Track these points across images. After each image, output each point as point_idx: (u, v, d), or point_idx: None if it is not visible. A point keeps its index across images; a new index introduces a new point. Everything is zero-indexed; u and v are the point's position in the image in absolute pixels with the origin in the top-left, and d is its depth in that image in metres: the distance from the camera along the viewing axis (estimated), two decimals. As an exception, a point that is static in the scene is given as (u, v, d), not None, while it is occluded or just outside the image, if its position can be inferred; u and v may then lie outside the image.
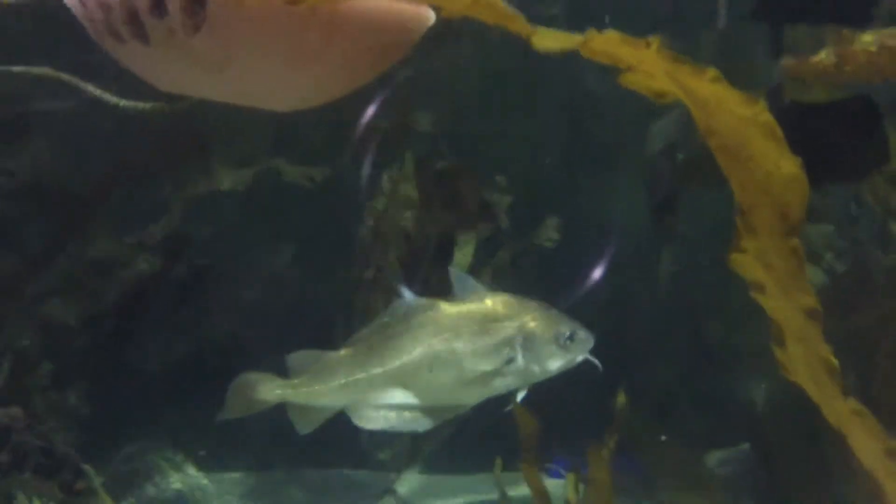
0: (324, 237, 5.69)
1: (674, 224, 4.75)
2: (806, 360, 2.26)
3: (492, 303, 3.16)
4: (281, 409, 5.80)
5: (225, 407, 3.33)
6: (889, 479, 2.30)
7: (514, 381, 3.13)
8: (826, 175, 3.64)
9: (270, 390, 3.25)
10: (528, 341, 3.08)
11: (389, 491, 5.36)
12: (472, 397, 3.16)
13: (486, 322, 3.11)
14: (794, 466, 4.52)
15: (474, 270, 5.10)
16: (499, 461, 3.34)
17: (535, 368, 3.10)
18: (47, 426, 4.15)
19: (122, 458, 5.22)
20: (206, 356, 5.87)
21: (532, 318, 3.10)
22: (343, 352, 3.26)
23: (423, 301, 3.22)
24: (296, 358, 3.30)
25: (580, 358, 3.10)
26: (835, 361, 2.17)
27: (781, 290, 2.19)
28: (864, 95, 3.52)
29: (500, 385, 3.12)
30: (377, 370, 3.15)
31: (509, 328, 3.09)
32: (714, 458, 5.18)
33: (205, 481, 5.38)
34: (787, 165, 2.00)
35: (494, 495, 5.19)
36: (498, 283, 5.24)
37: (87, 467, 3.89)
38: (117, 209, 5.59)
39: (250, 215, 5.79)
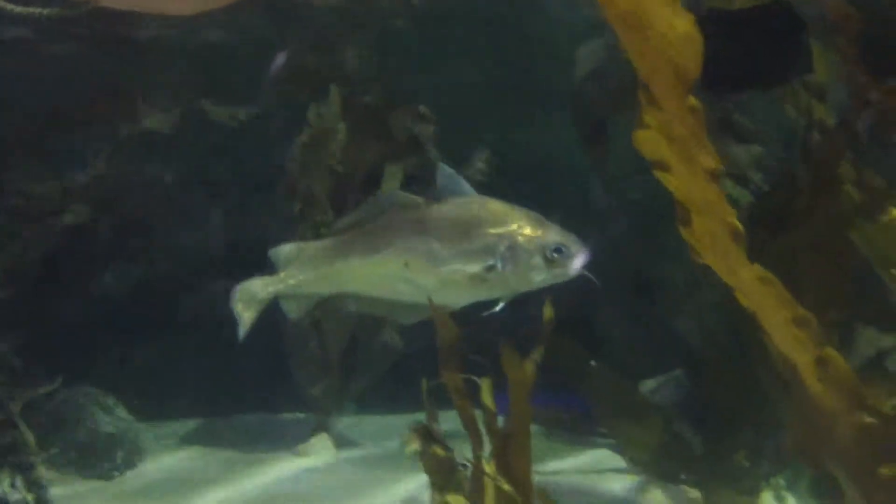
0: (252, 176, 5.60)
1: (603, 153, 4.70)
2: (710, 230, 2.23)
3: (478, 207, 3.12)
4: (219, 356, 5.78)
5: (239, 326, 3.39)
6: (797, 347, 2.27)
7: (496, 290, 3.09)
8: (746, 82, 3.61)
9: (265, 289, 3.32)
10: (511, 250, 3.03)
11: (323, 428, 5.29)
12: (452, 300, 3.12)
13: (470, 226, 3.08)
14: (726, 389, 4.51)
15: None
16: (424, 382, 3.27)
17: (518, 279, 3.06)
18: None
19: (54, 403, 5.12)
20: (139, 304, 5.78)
21: (519, 227, 3.05)
22: (326, 241, 3.31)
23: (409, 197, 3.20)
24: (280, 252, 3.34)
25: (570, 274, 3.04)
26: (738, 225, 2.14)
27: (683, 157, 2.15)
28: (785, 3, 3.48)
29: (481, 292, 3.10)
30: (356, 260, 3.16)
31: (492, 235, 3.05)
32: (648, 385, 5.16)
33: (138, 425, 5.28)
34: (681, 24, 1.98)
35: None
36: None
37: (3, 398, 3.77)
38: (41, 155, 5.44)
39: (178, 158, 5.66)
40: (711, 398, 4.62)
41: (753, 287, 2.21)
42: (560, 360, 4.66)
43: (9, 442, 3.74)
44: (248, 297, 3.34)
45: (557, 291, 3.15)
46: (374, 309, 3.34)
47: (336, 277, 3.24)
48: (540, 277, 3.04)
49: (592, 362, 4.64)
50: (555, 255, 3.02)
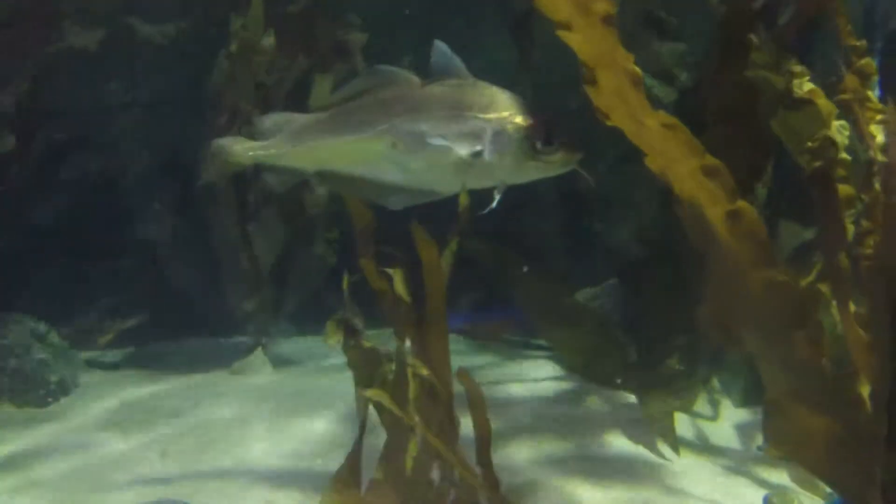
0: (179, 91, 5.50)
1: (530, 50, 4.64)
2: (614, 84, 2.18)
3: (471, 90, 3.03)
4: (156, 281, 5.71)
5: (203, 170, 3.29)
6: (709, 198, 2.24)
7: (484, 178, 3.00)
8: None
9: (245, 152, 3.21)
10: (498, 137, 2.93)
11: (259, 345, 5.24)
12: (441, 185, 3.05)
13: (460, 109, 2.99)
14: (660, 295, 4.51)
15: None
16: (345, 276, 3.22)
17: (505, 169, 2.97)
18: None
19: (-20, 330, 5.04)
20: (66, 230, 5.69)
21: (510, 114, 2.94)
22: (313, 116, 3.19)
23: (401, 74, 3.13)
24: (267, 120, 3.25)
25: (559, 169, 2.94)
26: (638, 71, 2.10)
27: (580, 9, 2.10)
28: None
29: (468, 179, 2.99)
30: (344, 137, 3.08)
31: (481, 119, 2.96)
32: (583, 294, 5.16)
33: (72, 351, 5.21)
34: None
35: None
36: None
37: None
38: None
39: (104, 77, 5.55)
40: (646, 304, 4.61)
41: (660, 136, 2.17)
42: (494, 266, 4.64)
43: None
44: (224, 152, 3.22)
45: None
46: (360, 192, 3.20)
47: (322, 153, 3.14)
48: (527, 168, 2.95)
49: (525, 268, 4.61)
50: (544, 146, 2.91)
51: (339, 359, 5.32)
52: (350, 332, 3.16)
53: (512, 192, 4.14)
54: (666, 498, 3.62)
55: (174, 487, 3.80)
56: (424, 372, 2.87)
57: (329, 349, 5.43)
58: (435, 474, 3.23)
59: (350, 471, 3.26)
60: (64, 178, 5.77)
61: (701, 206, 2.33)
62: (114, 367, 5.56)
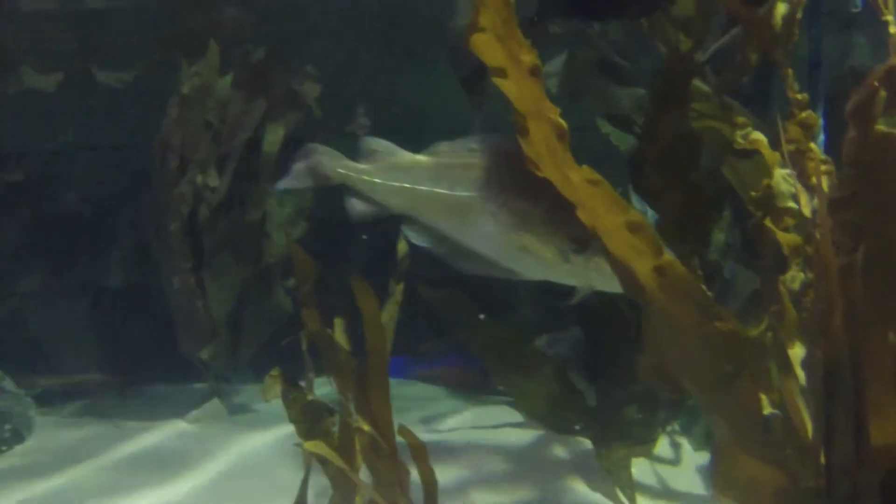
0: (135, 136, 5.48)
1: (482, 97, 4.63)
2: (543, 135, 2.16)
3: None
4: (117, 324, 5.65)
5: (288, 174, 3.12)
6: (633, 255, 2.21)
7: (575, 278, 2.90)
8: (605, 11, 3.57)
9: (335, 167, 3.05)
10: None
11: (216, 394, 5.18)
12: (525, 269, 2.93)
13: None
14: (618, 341, 4.49)
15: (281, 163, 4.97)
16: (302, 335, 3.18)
17: (600, 278, 2.84)
18: None
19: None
20: (26, 272, 5.65)
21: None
22: (420, 156, 3.03)
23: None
24: (372, 143, 3.07)
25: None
26: (563, 123, 2.08)
27: (512, 59, 2.09)
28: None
29: (561, 274, 2.89)
30: (440, 191, 2.94)
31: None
32: (543, 340, 5.13)
33: (27, 399, 5.14)
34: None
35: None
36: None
37: None
38: None
39: (61, 121, 5.53)
40: (603, 350, 4.59)
41: (584, 191, 2.15)
42: (450, 315, 4.61)
43: None
44: (313, 162, 3.07)
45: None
46: (441, 245, 3.05)
47: (420, 198, 2.97)
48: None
49: (481, 316, 4.58)
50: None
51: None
52: (289, 386, 3.11)
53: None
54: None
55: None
56: (365, 427, 2.82)
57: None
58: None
59: (295, 524, 3.21)
60: (16, 219, 5.69)
61: (628, 261, 2.30)
62: (69, 413, 5.47)
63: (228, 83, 4.94)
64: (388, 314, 3.23)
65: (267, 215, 5.02)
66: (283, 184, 3.09)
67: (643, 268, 2.26)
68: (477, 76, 4.45)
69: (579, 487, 4.13)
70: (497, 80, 2.26)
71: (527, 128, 2.26)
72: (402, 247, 2.96)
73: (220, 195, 4.91)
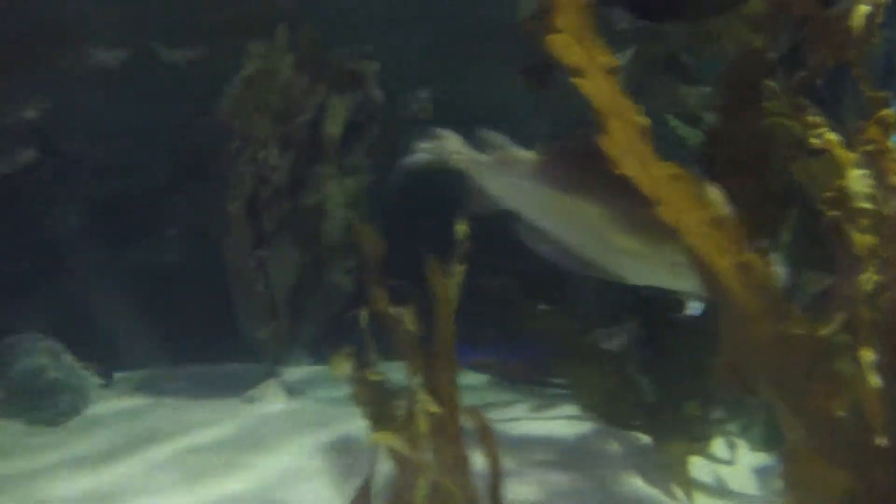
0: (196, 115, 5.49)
1: (546, 89, 4.60)
2: (625, 134, 2.14)
3: None
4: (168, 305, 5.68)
5: (412, 153, 3.14)
6: (716, 251, 2.19)
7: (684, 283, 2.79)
8: (676, 11, 3.52)
9: (457, 151, 3.06)
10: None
11: (273, 374, 5.20)
12: (634, 275, 2.89)
13: None
14: (678, 336, 4.45)
15: (349, 143, 4.97)
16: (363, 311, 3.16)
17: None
18: None
19: (-1, 349, 5.04)
20: (77, 249, 5.68)
21: None
22: (534, 155, 2.96)
23: None
24: (490, 136, 3.05)
25: None
26: (644, 121, 2.06)
27: (587, 57, 2.08)
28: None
29: (671, 279, 2.83)
30: (555, 192, 2.88)
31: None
32: (601, 335, 5.10)
33: (84, 371, 5.19)
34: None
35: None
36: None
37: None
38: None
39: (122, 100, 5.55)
40: (662, 345, 4.55)
41: (667, 186, 2.13)
42: (512, 306, 4.60)
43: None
44: (437, 144, 3.06)
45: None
46: (552, 245, 3.01)
47: (535, 197, 2.92)
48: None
49: (542, 307, 4.56)
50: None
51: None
52: (358, 366, 3.11)
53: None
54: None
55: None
56: (434, 409, 2.81)
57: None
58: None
59: (359, 504, 3.21)
60: (78, 196, 5.72)
61: (709, 257, 2.27)
62: (124, 388, 5.50)
63: (290, 65, 4.91)
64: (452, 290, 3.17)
65: (326, 196, 5.00)
66: (408, 161, 3.07)
67: (725, 264, 2.23)
68: (541, 68, 4.42)
69: (635, 481, 4.11)
70: (575, 80, 2.24)
71: (606, 126, 2.24)
72: (461, 229, 2.93)
73: (282, 176, 4.90)
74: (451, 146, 3.01)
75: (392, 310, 2.99)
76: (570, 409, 4.93)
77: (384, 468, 3.30)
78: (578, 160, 2.77)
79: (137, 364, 5.73)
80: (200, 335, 5.63)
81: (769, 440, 4.56)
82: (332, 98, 4.87)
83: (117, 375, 5.64)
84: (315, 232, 5.02)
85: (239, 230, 4.90)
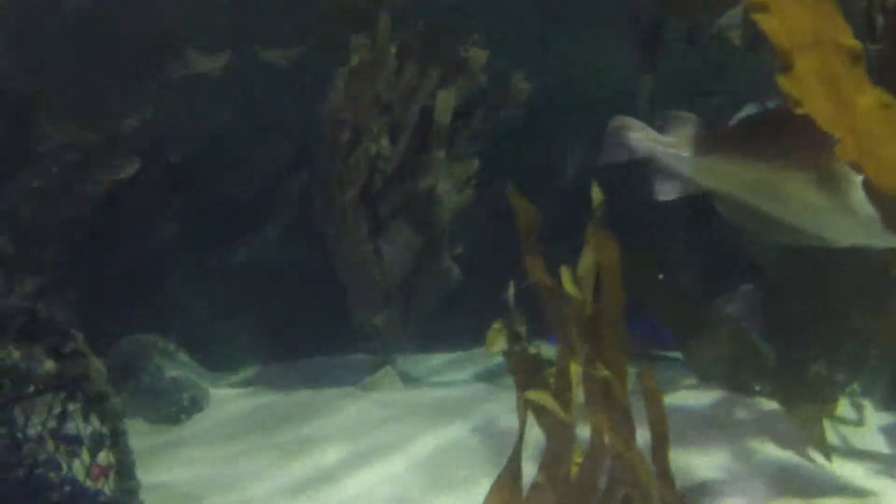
0: (297, 114, 5.53)
1: (656, 56, 4.59)
2: (816, 67, 2.13)
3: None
4: (273, 303, 5.73)
5: (601, 152, 3.10)
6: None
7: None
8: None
9: (643, 140, 3.02)
10: None
11: (388, 362, 5.23)
12: (840, 236, 2.83)
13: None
14: (799, 299, 4.42)
15: (456, 130, 4.99)
16: (511, 284, 3.17)
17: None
18: (30, 289, 3.92)
19: (116, 351, 5.10)
20: (192, 253, 5.74)
21: None
22: (721, 130, 2.96)
23: None
24: (680, 116, 3.02)
25: None
26: (856, 44, 2.03)
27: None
28: None
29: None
30: (756, 165, 2.82)
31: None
32: (716, 303, 5.07)
33: (200, 369, 5.25)
34: None
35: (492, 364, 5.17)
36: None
37: (73, 330, 3.71)
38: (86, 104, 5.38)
39: (227, 104, 5.60)
40: (785, 309, 4.52)
41: (869, 117, 2.10)
42: (630, 275, 4.59)
43: (81, 372, 3.64)
44: (622, 133, 3.03)
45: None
46: (754, 221, 2.96)
47: (740, 175, 2.87)
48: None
49: (661, 276, 4.56)
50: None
51: (467, 374, 5.38)
52: (513, 339, 3.13)
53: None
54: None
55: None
56: (603, 372, 2.82)
57: (453, 367, 5.48)
58: (601, 480, 3.18)
59: (511, 474, 3.22)
60: (182, 200, 5.79)
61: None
62: (240, 384, 5.55)
63: (395, 54, 4.95)
64: (585, 265, 3.18)
65: (437, 183, 5.04)
66: (601, 160, 3.06)
67: (922, 199, 2.21)
68: (652, 38, 4.42)
69: (767, 447, 4.08)
70: (757, 17, 2.22)
71: (790, 63, 2.22)
72: (596, 193, 2.94)
73: (394, 164, 4.94)
74: (635, 135, 2.98)
75: (549, 278, 3.00)
76: (688, 380, 4.88)
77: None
78: (772, 130, 2.74)
79: (247, 363, 5.72)
80: (308, 331, 5.67)
81: (893, 399, 4.53)
82: (442, 87, 4.86)
83: (230, 375, 5.64)
84: (427, 219, 5.03)
85: (354, 220, 4.92)
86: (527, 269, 3.00)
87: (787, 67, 2.18)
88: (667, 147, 2.95)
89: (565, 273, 2.93)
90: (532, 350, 3.11)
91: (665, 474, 2.83)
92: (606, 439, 2.92)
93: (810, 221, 2.75)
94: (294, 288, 5.77)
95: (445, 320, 5.39)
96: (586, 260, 2.98)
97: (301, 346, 5.77)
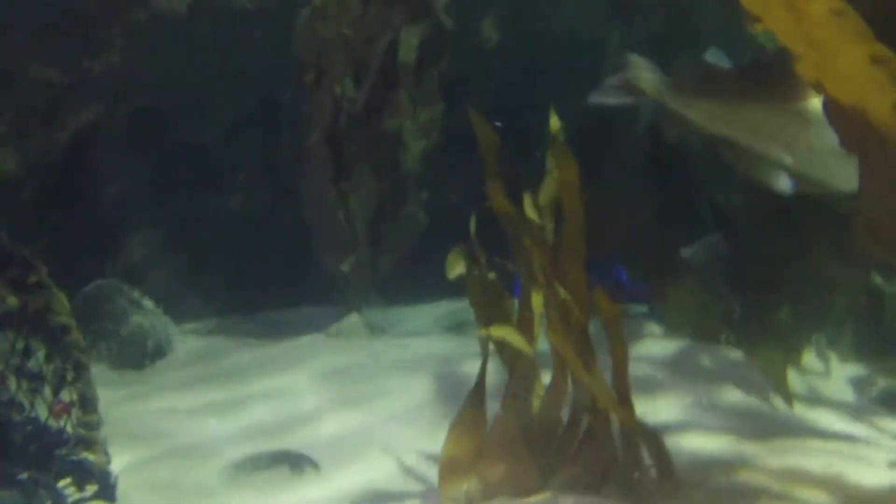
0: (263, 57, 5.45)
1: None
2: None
3: None
4: (238, 254, 5.67)
5: (601, 87, 3.13)
6: (874, 90, 2.13)
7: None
8: None
9: (653, 83, 3.05)
10: None
11: (355, 308, 5.18)
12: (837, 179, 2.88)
13: None
14: (767, 248, 4.41)
15: (421, 69, 4.94)
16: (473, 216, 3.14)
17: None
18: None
19: (79, 297, 5.03)
20: (148, 200, 5.67)
21: None
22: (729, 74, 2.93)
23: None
24: (686, 66, 3.05)
25: None
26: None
27: None
28: None
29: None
30: (764, 106, 2.87)
31: None
32: (683, 251, 5.06)
33: (164, 317, 5.19)
34: None
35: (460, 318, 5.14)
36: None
37: (37, 262, 3.64)
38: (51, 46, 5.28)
39: (193, 46, 5.51)
40: (753, 258, 4.51)
41: (823, 25, 2.06)
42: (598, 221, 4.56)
43: (43, 305, 3.58)
44: (633, 74, 3.04)
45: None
46: (750, 164, 3.04)
47: (739, 116, 2.94)
48: None
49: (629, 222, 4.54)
50: None
51: (432, 324, 5.34)
52: (473, 264, 3.09)
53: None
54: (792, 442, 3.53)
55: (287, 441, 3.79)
56: (562, 293, 2.78)
57: (419, 317, 5.44)
58: (563, 413, 3.16)
59: (473, 409, 3.18)
60: (147, 147, 5.71)
61: (863, 100, 2.21)
62: (204, 333, 5.51)
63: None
64: (546, 193, 3.15)
65: (402, 125, 4.98)
66: (595, 97, 3.04)
67: (881, 106, 2.17)
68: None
69: (733, 393, 4.09)
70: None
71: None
72: (553, 123, 2.90)
73: (359, 105, 4.88)
74: (644, 75, 2.95)
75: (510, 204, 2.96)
76: (655, 328, 4.87)
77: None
78: (762, 74, 2.72)
79: (212, 313, 5.67)
80: (273, 282, 5.61)
81: (859, 349, 4.53)
82: (405, 27, 4.80)
83: (191, 324, 5.58)
84: (392, 162, 4.98)
85: (318, 162, 4.86)
86: (488, 194, 2.95)
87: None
88: (672, 90, 3.01)
89: (527, 198, 2.89)
90: (492, 276, 3.06)
91: (626, 398, 2.79)
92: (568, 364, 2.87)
93: (798, 159, 2.74)
94: (259, 238, 5.70)
95: (408, 274, 5.35)
96: (548, 186, 2.94)
97: (266, 298, 5.69)
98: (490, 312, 3.15)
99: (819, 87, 2.31)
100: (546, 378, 3.20)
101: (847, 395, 4.21)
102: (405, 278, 5.45)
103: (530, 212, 2.88)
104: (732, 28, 3.84)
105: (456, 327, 5.26)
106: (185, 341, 5.27)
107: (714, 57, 3.18)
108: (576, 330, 2.81)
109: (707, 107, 2.86)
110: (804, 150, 2.78)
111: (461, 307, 5.16)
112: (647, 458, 2.91)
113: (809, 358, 4.51)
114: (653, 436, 2.91)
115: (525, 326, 3.14)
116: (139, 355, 4.93)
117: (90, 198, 5.54)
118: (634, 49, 4.45)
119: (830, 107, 2.34)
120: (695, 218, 5.16)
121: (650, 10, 5.00)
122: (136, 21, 5.23)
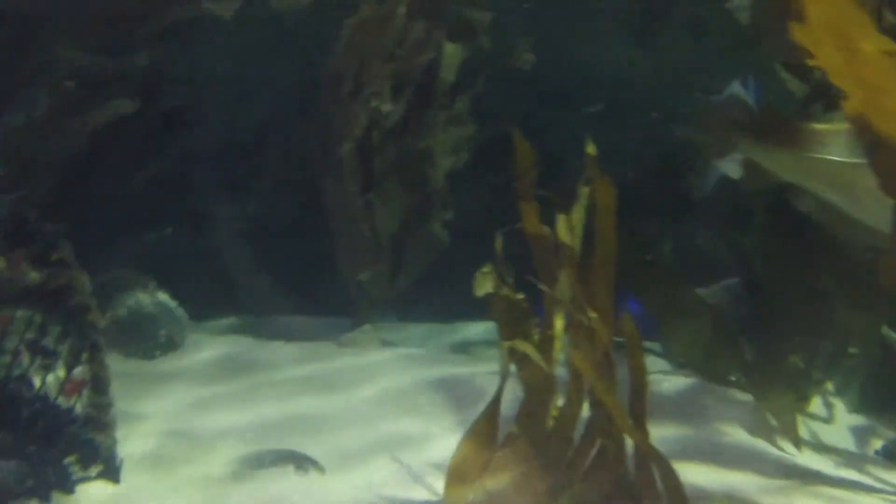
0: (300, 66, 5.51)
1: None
2: (826, 10, 2.13)
3: None
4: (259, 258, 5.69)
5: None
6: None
7: None
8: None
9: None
10: None
11: (368, 320, 5.22)
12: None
13: None
14: (784, 293, 4.43)
15: (457, 88, 4.98)
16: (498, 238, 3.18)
17: None
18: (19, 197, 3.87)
19: (97, 283, 5.04)
20: (178, 201, 5.70)
21: None
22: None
23: None
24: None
25: None
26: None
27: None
28: None
29: None
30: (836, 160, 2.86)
31: None
32: (702, 292, 5.07)
33: (179, 309, 5.23)
34: None
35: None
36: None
37: (62, 240, 3.67)
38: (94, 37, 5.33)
39: (232, 49, 5.57)
40: (769, 303, 4.53)
41: (874, 65, 2.12)
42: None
43: (64, 283, 3.61)
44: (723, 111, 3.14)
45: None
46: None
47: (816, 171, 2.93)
48: None
49: (648, 257, 4.56)
50: None
51: (446, 340, 5.38)
52: (500, 283, 3.13)
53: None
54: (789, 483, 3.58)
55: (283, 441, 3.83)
56: (591, 314, 2.83)
57: (431, 336, 5.47)
58: (576, 433, 3.19)
59: (487, 423, 3.22)
60: (173, 146, 5.75)
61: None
62: (219, 330, 5.54)
63: (404, 10, 4.93)
64: (577, 216, 3.19)
65: (434, 142, 5.03)
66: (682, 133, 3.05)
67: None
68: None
69: (739, 434, 4.10)
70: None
71: (803, 10, 2.23)
72: (590, 149, 2.95)
73: (394, 120, 4.93)
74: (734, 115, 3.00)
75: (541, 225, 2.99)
76: (664, 364, 4.89)
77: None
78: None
79: (227, 313, 5.70)
80: (291, 289, 5.64)
81: (865, 401, 4.55)
82: (447, 45, 4.85)
83: (207, 321, 5.61)
84: (421, 178, 5.02)
85: (348, 172, 4.90)
86: (520, 213, 2.99)
87: (799, 15, 2.18)
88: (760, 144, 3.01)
89: (561, 220, 2.93)
90: (518, 296, 3.09)
91: (641, 424, 2.83)
92: (586, 385, 2.91)
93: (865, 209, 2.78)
94: (280, 243, 5.73)
95: (424, 292, 5.38)
96: (579, 209, 2.99)
97: (283, 303, 5.71)
98: (514, 331, 3.18)
99: (864, 126, 2.35)
100: (560, 400, 3.22)
101: (849, 443, 4.22)
102: (419, 296, 5.48)
103: (563, 234, 2.91)
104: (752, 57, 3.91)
105: (462, 347, 5.28)
106: (198, 337, 5.26)
107: (737, 89, 3.21)
108: (600, 352, 2.84)
109: (786, 159, 2.90)
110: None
111: (471, 329, 5.20)
112: (659, 482, 2.93)
113: (815, 405, 4.50)
114: (665, 462, 2.93)
115: (545, 346, 3.17)
116: (151, 346, 4.95)
117: (115, 191, 5.55)
118: (657, 78, 4.53)
119: (872, 149, 2.38)
120: (714, 259, 5.18)
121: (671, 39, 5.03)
122: (177, 21, 5.22)
